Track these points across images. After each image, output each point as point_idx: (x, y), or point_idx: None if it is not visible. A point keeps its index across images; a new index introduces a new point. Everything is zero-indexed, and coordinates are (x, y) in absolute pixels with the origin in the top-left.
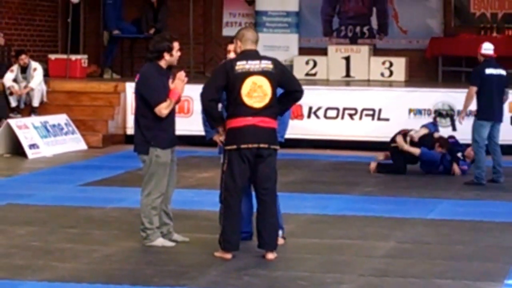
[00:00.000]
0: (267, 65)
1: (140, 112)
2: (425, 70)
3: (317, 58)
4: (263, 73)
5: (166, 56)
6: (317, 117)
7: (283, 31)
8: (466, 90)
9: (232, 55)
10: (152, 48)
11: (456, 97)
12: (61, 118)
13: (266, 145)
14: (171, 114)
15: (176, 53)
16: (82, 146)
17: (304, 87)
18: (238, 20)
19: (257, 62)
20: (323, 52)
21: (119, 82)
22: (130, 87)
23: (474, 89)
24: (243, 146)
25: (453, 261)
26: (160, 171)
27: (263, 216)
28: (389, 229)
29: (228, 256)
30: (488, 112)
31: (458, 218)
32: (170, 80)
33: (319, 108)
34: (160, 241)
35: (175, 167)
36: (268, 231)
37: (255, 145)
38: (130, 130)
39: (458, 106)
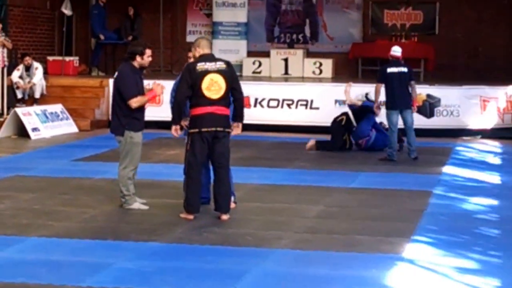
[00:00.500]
0: (221, 65)
1: (117, 103)
2: (348, 69)
3: (262, 59)
4: (218, 71)
5: (138, 58)
6: (262, 106)
7: (234, 38)
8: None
9: (191, 60)
10: (129, 50)
11: (372, 90)
12: (58, 107)
13: (221, 129)
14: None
15: (147, 58)
16: (74, 129)
17: (251, 82)
18: (199, 29)
19: (213, 63)
20: (267, 54)
21: (103, 79)
22: (112, 83)
23: (379, 85)
24: (203, 129)
25: (370, 221)
26: (134, 149)
27: (218, 185)
28: (318, 196)
29: (191, 217)
30: (393, 102)
31: (374, 187)
32: (153, 82)
33: (263, 99)
34: (136, 205)
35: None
36: (222, 197)
37: (213, 129)
38: None
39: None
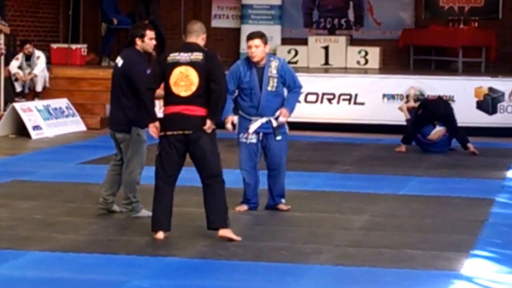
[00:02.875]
0: (197, 56)
1: (125, 94)
2: (397, 59)
3: (298, 48)
4: (191, 63)
5: (138, 41)
6: (298, 101)
7: (267, 23)
8: (435, 77)
9: None
10: (129, 34)
11: (426, 83)
12: (62, 102)
13: (191, 132)
14: None
15: (149, 41)
16: (82, 127)
17: None
18: (226, 12)
19: (188, 54)
20: (304, 42)
21: None
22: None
23: None
24: (168, 133)
25: (423, 233)
26: (142, 149)
27: (208, 199)
28: (364, 203)
29: (159, 235)
30: None
31: (427, 194)
32: None
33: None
34: (144, 212)
35: None
36: (213, 211)
37: (180, 132)
38: None
39: (428, 91)
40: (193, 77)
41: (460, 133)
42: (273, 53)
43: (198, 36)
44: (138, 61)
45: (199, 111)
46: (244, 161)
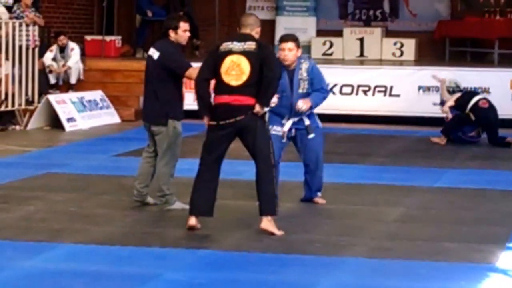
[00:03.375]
0: (249, 45)
1: (163, 86)
2: (433, 50)
3: (333, 39)
4: (243, 52)
5: (172, 33)
6: (333, 93)
7: (302, 14)
8: (471, 69)
9: None
10: (163, 26)
11: (462, 75)
12: (97, 94)
13: (242, 117)
14: (182, 89)
15: (183, 33)
16: (116, 119)
17: (321, 66)
18: (261, 4)
19: (242, 43)
20: (339, 33)
21: None
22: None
23: None
24: (221, 122)
25: (458, 225)
26: (177, 141)
27: (260, 184)
28: (398, 196)
29: (192, 221)
30: None
31: (463, 186)
32: None
33: (335, 85)
34: (178, 204)
35: None
36: (265, 198)
37: (232, 120)
38: None
39: (464, 83)
40: (245, 66)
41: (497, 141)
42: (307, 45)
43: (252, 30)
44: (175, 52)
45: (248, 100)
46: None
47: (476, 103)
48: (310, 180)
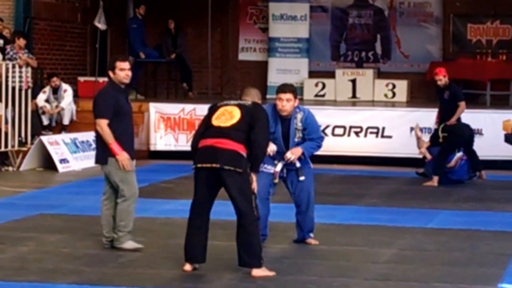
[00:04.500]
0: (245, 102)
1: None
2: (425, 92)
3: (326, 81)
4: (237, 104)
5: (111, 73)
6: (326, 134)
7: (294, 56)
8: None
9: None
10: None
11: None
12: (89, 135)
13: (217, 165)
14: (130, 128)
15: (120, 72)
16: None
17: (313, 107)
18: (253, 45)
19: (239, 101)
20: (331, 75)
21: (143, 103)
22: (153, 107)
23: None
24: (198, 165)
25: (451, 266)
26: (130, 177)
27: (238, 235)
28: (391, 237)
29: (187, 267)
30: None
31: (455, 227)
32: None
33: (327, 126)
34: (130, 244)
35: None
36: (244, 250)
37: (208, 165)
38: (153, 147)
39: None
40: (236, 113)
41: (475, 155)
42: (300, 86)
43: (253, 99)
44: (103, 94)
45: (232, 145)
46: (260, 190)
47: (445, 125)
48: (302, 221)
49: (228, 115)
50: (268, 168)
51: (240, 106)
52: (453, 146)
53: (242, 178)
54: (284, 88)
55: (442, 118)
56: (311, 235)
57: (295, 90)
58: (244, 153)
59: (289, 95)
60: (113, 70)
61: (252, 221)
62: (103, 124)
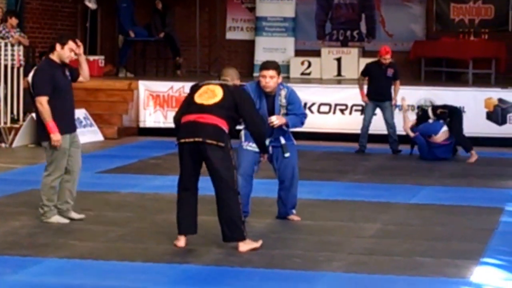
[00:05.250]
0: (227, 82)
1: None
2: (409, 70)
3: (312, 59)
4: (219, 84)
5: (58, 47)
6: (312, 112)
7: (280, 35)
8: (446, 89)
9: None
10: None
11: (437, 94)
12: (80, 113)
13: (200, 139)
14: (68, 103)
15: (69, 52)
16: (99, 137)
17: (299, 85)
18: (240, 25)
19: (220, 80)
20: (317, 53)
21: (132, 80)
22: (142, 85)
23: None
24: (181, 140)
25: (434, 241)
26: (59, 156)
27: (219, 211)
28: (375, 212)
29: (180, 241)
30: None
31: (439, 202)
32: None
33: (313, 104)
34: (55, 218)
35: (79, 151)
36: (226, 224)
37: (191, 139)
38: (143, 123)
39: (439, 102)
40: (218, 92)
41: (464, 137)
42: (286, 65)
43: (232, 80)
44: (42, 71)
45: (214, 119)
46: (245, 168)
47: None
48: (285, 197)
49: (211, 93)
50: (252, 146)
51: (222, 85)
52: (461, 120)
53: (224, 152)
54: (267, 65)
55: (378, 93)
56: (294, 211)
57: (278, 67)
58: (226, 128)
59: (272, 72)
60: (63, 46)
61: (232, 195)
62: (43, 101)
